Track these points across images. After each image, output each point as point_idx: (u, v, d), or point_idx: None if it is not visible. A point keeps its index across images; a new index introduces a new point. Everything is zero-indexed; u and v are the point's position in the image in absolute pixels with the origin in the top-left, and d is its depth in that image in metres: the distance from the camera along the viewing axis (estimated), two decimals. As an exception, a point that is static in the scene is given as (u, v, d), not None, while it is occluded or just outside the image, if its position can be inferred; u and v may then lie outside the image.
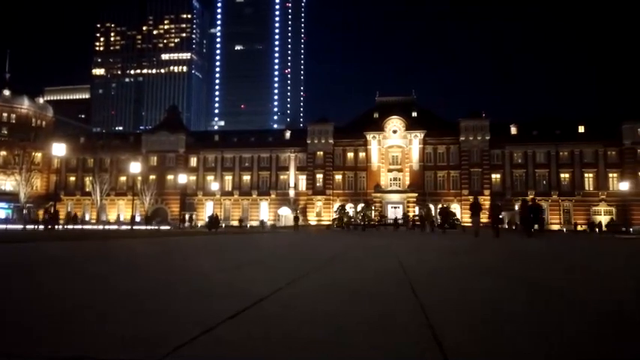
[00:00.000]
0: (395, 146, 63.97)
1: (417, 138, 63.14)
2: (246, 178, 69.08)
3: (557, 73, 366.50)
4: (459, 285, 3.52)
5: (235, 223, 64.75)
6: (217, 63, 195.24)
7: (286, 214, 66.14)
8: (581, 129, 60.38)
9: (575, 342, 1.81)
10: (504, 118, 64.01)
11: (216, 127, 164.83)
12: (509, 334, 1.92)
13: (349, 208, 61.77)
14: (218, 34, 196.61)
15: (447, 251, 8.63)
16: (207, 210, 66.84)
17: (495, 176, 61.83)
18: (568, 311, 2.52)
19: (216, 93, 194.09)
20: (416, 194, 61.09)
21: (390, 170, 63.95)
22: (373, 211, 59.29)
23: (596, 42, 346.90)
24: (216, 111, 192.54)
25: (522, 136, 61.41)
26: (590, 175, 59.65)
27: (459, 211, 59.94)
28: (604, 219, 58.45)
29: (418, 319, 2.14)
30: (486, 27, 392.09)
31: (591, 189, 59.29)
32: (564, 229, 55.07)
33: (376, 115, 65.99)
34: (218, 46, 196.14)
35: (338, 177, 65.69)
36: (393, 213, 59.68)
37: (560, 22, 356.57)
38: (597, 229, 49.12)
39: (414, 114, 65.35)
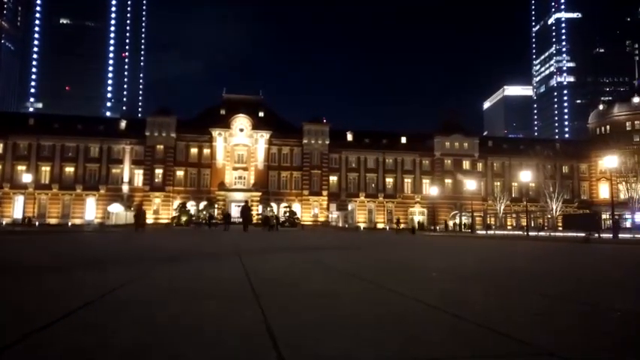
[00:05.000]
0: (241, 144, 63.79)
1: (263, 138, 64.04)
2: (70, 170, 60.80)
3: (390, 88, 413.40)
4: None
5: (53, 221, 56.49)
6: (36, 36, 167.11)
7: (118, 212, 60.22)
8: (403, 140, 69.10)
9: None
10: (342, 125, 69.45)
11: (31, 110, 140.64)
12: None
13: (191, 206, 59.43)
14: (38, 1, 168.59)
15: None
16: (16, 206, 56.73)
17: (333, 178, 66.53)
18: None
19: (33, 70, 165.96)
20: (260, 193, 61.90)
21: (235, 168, 63.49)
22: (216, 210, 58.09)
23: (421, 66, 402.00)
24: (33, 90, 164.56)
25: (357, 143, 67.45)
26: (409, 180, 68.64)
27: (300, 210, 62.87)
28: (419, 219, 67.94)
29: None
30: (335, 36, 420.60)
31: (409, 192, 68.27)
32: (387, 228, 62.26)
33: (223, 112, 64.82)
34: (37, 16, 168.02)
35: (180, 173, 62.54)
36: (237, 212, 59.43)
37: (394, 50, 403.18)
38: (413, 228, 57.01)
39: (261, 114, 66.18)
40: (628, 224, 52.34)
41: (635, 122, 71.39)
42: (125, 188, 61.41)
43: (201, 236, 15.49)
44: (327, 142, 65.04)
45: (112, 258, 5.80)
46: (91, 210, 60.46)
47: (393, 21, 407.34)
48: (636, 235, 25.52)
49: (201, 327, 1.80)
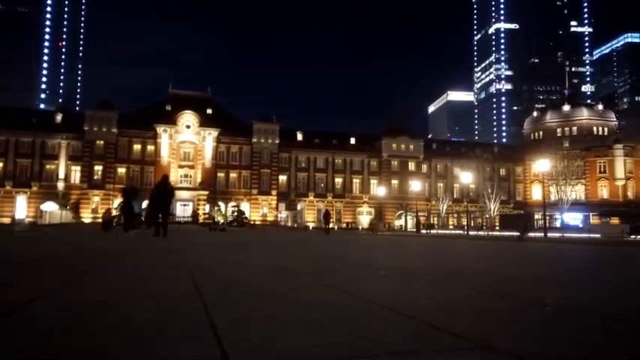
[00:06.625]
0: (187, 142, 62.03)
1: (210, 135, 62.62)
2: (-2, 165, 56.47)
3: (340, 92, 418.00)
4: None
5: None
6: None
7: (52, 210, 56.67)
8: (352, 141, 70.13)
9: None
10: (293, 124, 69.43)
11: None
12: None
13: (133, 205, 56.96)
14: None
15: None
16: None
17: (282, 178, 66.28)
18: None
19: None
20: (207, 192, 60.49)
21: (181, 166, 61.63)
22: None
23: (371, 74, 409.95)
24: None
25: (307, 143, 67.64)
26: (357, 180, 69.76)
27: (248, 209, 62.08)
28: (366, 218, 69.24)
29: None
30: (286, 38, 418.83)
31: (357, 192, 69.39)
32: (336, 227, 62.89)
33: (169, 108, 62.71)
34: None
35: (121, 170, 59.80)
36: (183, 211, 57.88)
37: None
38: (360, 227, 58.10)
39: (209, 111, 64.69)
40: (558, 224, 56.24)
41: (565, 129, 76.89)
42: (60, 185, 57.87)
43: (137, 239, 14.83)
44: (277, 142, 64.70)
45: None
46: (21, 208, 56.43)
47: (342, 29, 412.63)
48: (565, 235, 27.50)
49: None
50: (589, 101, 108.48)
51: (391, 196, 67.34)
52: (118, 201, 57.09)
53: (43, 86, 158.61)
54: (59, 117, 61.06)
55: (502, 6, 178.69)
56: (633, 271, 5.84)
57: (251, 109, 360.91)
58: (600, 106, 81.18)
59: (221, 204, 59.77)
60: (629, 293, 3.32)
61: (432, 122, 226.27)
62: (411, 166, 69.63)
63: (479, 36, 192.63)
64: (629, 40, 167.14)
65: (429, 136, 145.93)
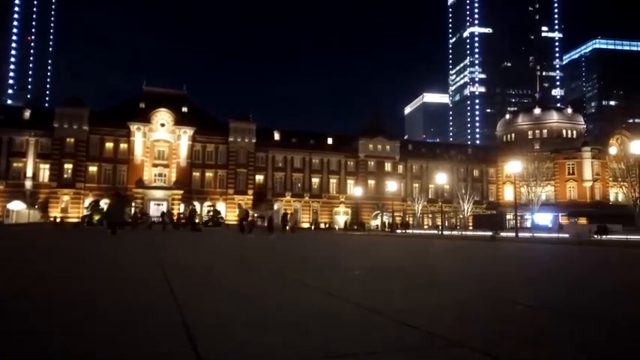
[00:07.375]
0: (162, 140, 60.90)
1: (186, 134, 61.68)
2: (-39, 163, 54.22)
3: (319, 92, 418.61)
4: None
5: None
6: None
7: (19, 209, 54.77)
8: (330, 141, 70.23)
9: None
10: (270, 123, 69.01)
11: None
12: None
13: (104, 204, 55.60)
14: None
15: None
16: None
17: (259, 177, 65.82)
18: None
19: None
20: (182, 191, 59.55)
21: (155, 165, 60.47)
22: (133, 208, 54.90)
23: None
24: None
25: (284, 143, 67.34)
26: (334, 180, 69.90)
27: (224, 209, 61.42)
28: (342, 218, 69.48)
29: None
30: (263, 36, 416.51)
31: (334, 193, 69.53)
32: (312, 227, 62.88)
33: (143, 106, 61.42)
34: None
35: (92, 169, 58.28)
36: (157, 210, 56.79)
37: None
38: (336, 227, 58.27)
39: (185, 109, 63.67)
40: (528, 224, 57.70)
41: (536, 131, 78.97)
42: (28, 184, 55.96)
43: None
44: (254, 141, 64.19)
45: None
46: (-14, 208, 54.33)
47: (322, 30, 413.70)
48: (535, 234, 28.23)
49: None
50: (559, 105, 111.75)
51: (368, 196, 67.73)
52: (89, 200, 55.62)
53: (11, 81, 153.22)
54: (27, 113, 59.06)
55: (476, 10, 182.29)
56: (604, 271, 6.02)
57: (229, 109, 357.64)
58: (569, 110, 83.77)
59: (196, 203, 58.92)
60: (602, 293, 3.40)
61: (408, 123, 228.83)
62: (388, 166, 70.20)
63: (454, 39, 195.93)
64: (597, 46, 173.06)
65: (405, 137, 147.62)
